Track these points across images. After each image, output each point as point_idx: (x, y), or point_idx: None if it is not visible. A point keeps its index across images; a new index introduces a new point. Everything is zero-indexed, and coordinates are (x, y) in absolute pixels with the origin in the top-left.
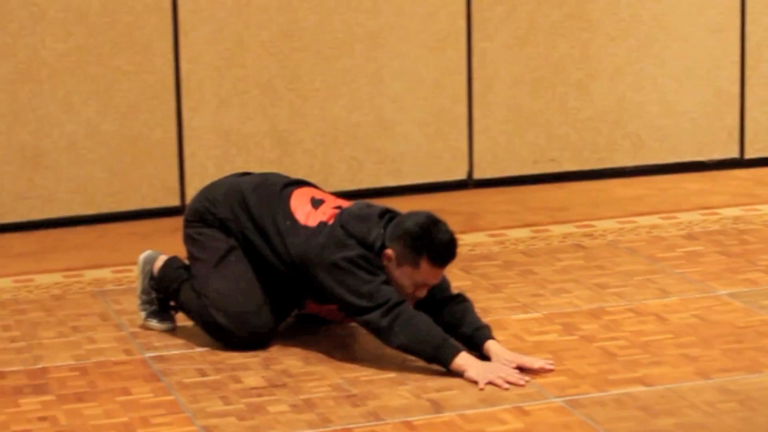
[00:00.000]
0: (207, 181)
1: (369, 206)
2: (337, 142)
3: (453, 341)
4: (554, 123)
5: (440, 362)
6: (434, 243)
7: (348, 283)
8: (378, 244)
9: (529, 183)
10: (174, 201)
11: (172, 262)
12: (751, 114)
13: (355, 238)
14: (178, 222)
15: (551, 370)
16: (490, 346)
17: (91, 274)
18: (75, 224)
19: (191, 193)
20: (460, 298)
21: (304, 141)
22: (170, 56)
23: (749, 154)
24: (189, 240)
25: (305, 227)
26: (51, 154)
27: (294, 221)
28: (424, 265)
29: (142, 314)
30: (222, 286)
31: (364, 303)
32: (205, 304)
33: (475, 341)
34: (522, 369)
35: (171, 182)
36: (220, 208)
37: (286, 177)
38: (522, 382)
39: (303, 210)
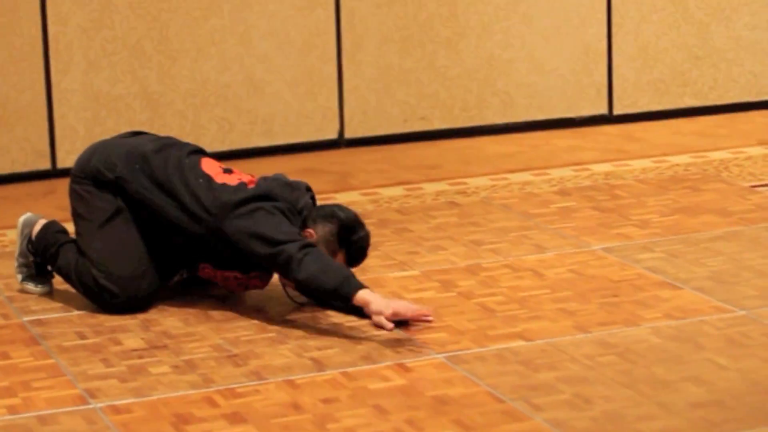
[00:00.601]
0: (78, 144)
1: (291, 179)
2: (207, 102)
3: (357, 279)
4: (424, 81)
5: (343, 294)
6: (356, 243)
7: (270, 221)
8: (304, 213)
9: (400, 141)
10: (45, 164)
11: (50, 226)
12: (618, 70)
13: (284, 200)
14: (50, 185)
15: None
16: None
17: None
18: None
19: (62, 156)
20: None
21: (175, 102)
22: (37, 18)
23: (618, 110)
24: (76, 196)
25: (223, 185)
26: None
27: (208, 179)
28: (340, 257)
29: (19, 277)
30: (105, 248)
31: (282, 237)
32: (86, 265)
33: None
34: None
35: (41, 145)
36: (119, 169)
37: (186, 143)
38: (430, 318)
39: (215, 173)
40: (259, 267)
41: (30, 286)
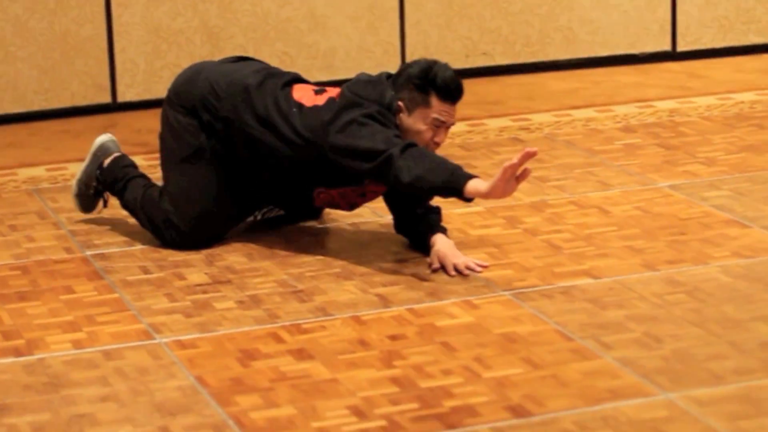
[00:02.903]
0: (139, 78)
1: (372, 75)
2: (267, 37)
3: (464, 170)
4: (486, 16)
5: (453, 188)
6: (438, 78)
7: (364, 133)
8: (394, 104)
9: (462, 77)
10: (105, 98)
11: (120, 160)
12: (682, 7)
13: (369, 100)
14: (110, 119)
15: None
16: (437, 238)
17: (24, 173)
18: (5, 122)
19: (122, 90)
20: (435, 210)
21: (235, 36)
22: None
23: (681, 47)
24: (166, 122)
25: (313, 107)
26: None
27: (300, 106)
28: (435, 102)
29: (74, 189)
30: (181, 183)
31: (381, 146)
32: (158, 196)
33: (426, 234)
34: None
35: (101, 79)
36: (224, 105)
37: (284, 72)
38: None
39: (308, 98)
40: (369, 175)
41: (77, 204)
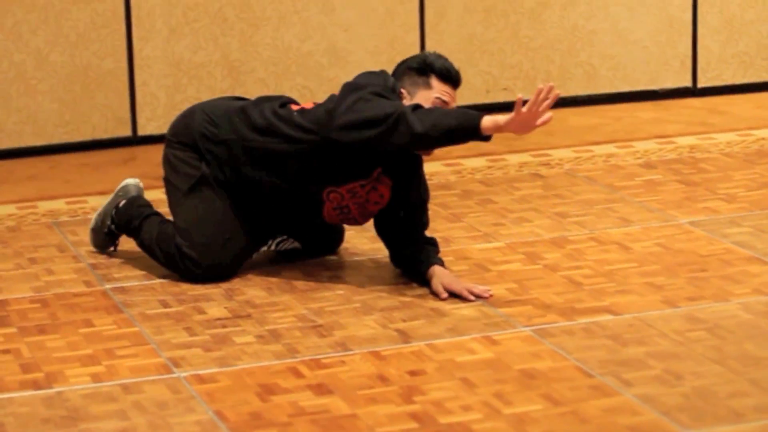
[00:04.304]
0: (159, 111)
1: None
2: (288, 71)
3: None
4: (507, 52)
5: (469, 126)
6: (436, 62)
7: (372, 105)
8: (397, 89)
9: (482, 112)
10: (125, 131)
11: (135, 200)
12: (703, 42)
13: (373, 86)
14: (130, 152)
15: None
16: (435, 269)
17: (44, 206)
18: (25, 155)
19: (143, 123)
20: (432, 242)
21: (256, 70)
22: None
23: (702, 83)
24: (166, 162)
25: (315, 105)
26: (0, 84)
27: (302, 109)
28: (436, 84)
29: (92, 222)
30: (189, 215)
31: (391, 110)
32: (171, 233)
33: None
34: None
35: (122, 112)
36: (222, 130)
37: (280, 96)
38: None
39: (307, 105)
40: (377, 161)
41: (91, 238)
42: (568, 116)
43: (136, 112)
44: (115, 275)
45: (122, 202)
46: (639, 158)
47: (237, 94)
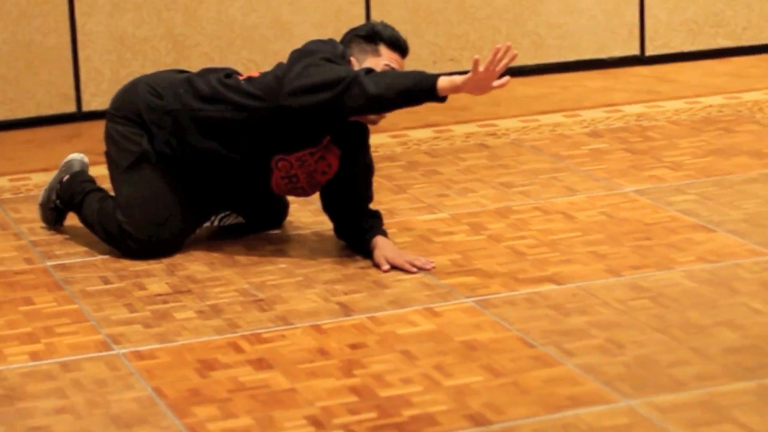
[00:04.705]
0: (104, 86)
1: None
2: (233, 45)
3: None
4: (453, 22)
5: (425, 87)
6: (384, 31)
7: (322, 70)
8: (347, 56)
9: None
10: (70, 107)
11: (78, 175)
12: (651, 10)
13: (323, 52)
14: (75, 128)
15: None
16: (378, 240)
17: None
18: None
19: (87, 99)
20: (376, 214)
21: (200, 44)
22: None
23: (650, 51)
24: (108, 137)
25: (263, 73)
26: None
27: (249, 77)
28: (384, 51)
29: (40, 197)
30: (130, 192)
31: (341, 73)
32: (111, 210)
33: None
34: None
35: (66, 88)
36: (167, 100)
37: (225, 67)
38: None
39: (255, 74)
40: (327, 129)
41: (40, 213)
42: (516, 86)
43: (81, 88)
44: (57, 252)
45: (65, 177)
46: (586, 127)
47: (182, 68)
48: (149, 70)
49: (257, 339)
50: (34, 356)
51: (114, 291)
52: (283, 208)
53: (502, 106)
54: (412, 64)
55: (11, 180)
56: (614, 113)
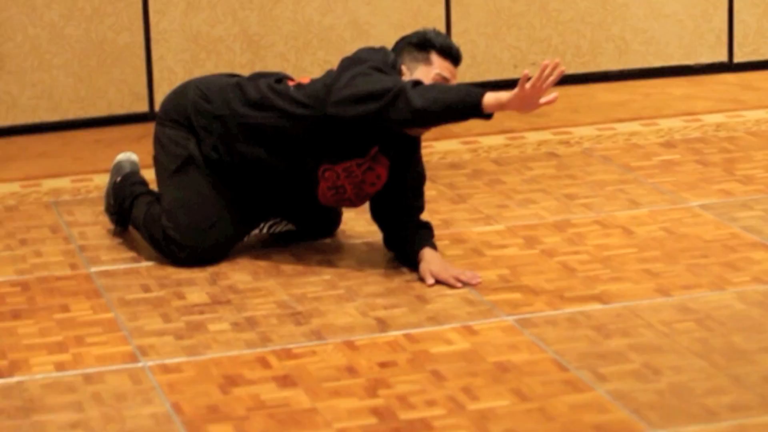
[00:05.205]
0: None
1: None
2: (309, 45)
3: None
4: (535, 25)
5: (471, 103)
6: (436, 39)
7: (369, 80)
8: (398, 65)
9: (509, 87)
10: (142, 107)
11: (129, 177)
12: (739, 16)
13: (372, 60)
14: (146, 129)
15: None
16: (425, 253)
17: (49, 184)
18: (40, 131)
19: (160, 98)
20: (427, 225)
21: (276, 44)
22: None
23: (738, 58)
24: (156, 141)
25: (312, 80)
26: (14, 58)
27: (298, 84)
28: (436, 59)
29: (104, 204)
30: (176, 196)
31: (390, 84)
32: (157, 214)
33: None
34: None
35: (139, 87)
36: (216, 105)
37: (276, 72)
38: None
39: (305, 80)
40: (375, 140)
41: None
42: (597, 92)
43: (153, 88)
44: (103, 258)
45: (118, 179)
46: (661, 137)
47: (257, 69)
48: (223, 70)
49: (287, 354)
50: (60, 367)
51: (152, 300)
52: (335, 217)
53: (580, 112)
54: (492, 68)
55: (73, 181)
56: (693, 122)
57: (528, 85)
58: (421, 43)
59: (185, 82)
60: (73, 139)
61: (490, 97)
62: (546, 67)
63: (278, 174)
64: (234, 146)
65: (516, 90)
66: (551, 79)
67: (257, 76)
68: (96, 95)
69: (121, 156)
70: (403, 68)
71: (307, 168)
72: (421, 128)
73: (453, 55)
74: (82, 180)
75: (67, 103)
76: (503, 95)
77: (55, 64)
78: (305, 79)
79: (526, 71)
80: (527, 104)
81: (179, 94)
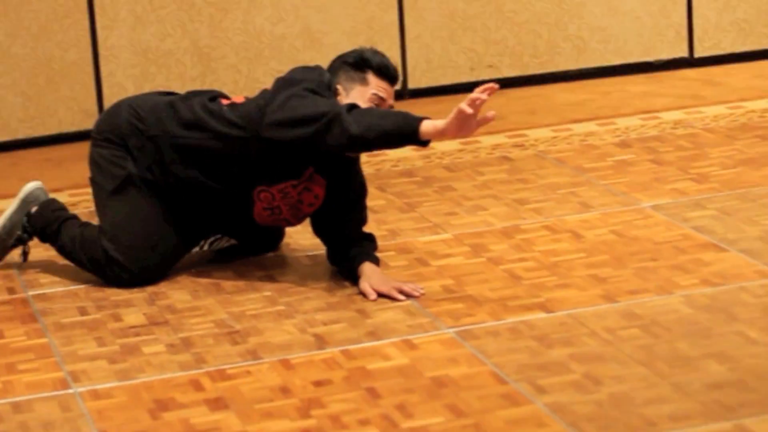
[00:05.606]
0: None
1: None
2: (261, 56)
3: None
4: (491, 27)
5: (408, 131)
6: (373, 58)
7: (306, 103)
8: (333, 86)
9: (467, 91)
10: (92, 124)
11: (50, 204)
12: (699, 10)
13: (308, 81)
14: None
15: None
16: (365, 267)
17: None
18: None
19: None
20: (369, 237)
21: (227, 56)
22: None
23: (699, 53)
24: (91, 161)
25: (246, 100)
26: None
27: (232, 104)
28: (372, 79)
29: None
30: (116, 217)
31: (326, 108)
32: (96, 236)
33: (356, 263)
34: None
35: (88, 104)
36: (149, 125)
37: (210, 89)
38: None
39: (239, 100)
40: (309, 161)
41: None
42: (556, 93)
43: (103, 104)
44: (42, 281)
45: (34, 209)
46: (617, 136)
47: (208, 81)
48: (174, 84)
49: (221, 376)
50: None
51: (88, 323)
52: (277, 232)
53: (537, 114)
54: (449, 72)
55: None
56: (651, 120)
57: (462, 106)
58: (358, 63)
59: (118, 101)
60: (21, 159)
61: (427, 125)
62: (476, 93)
63: (214, 195)
64: (168, 167)
65: (452, 115)
66: (483, 96)
67: (192, 95)
68: (45, 114)
69: (31, 184)
70: (339, 88)
71: (242, 189)
72: (357, 153)
73: (390, 75)
74: None
75: (16, 122)
76: (440, 123)
77: (2, 84)
78: (239, 99)
79: (462, 107)
80: (464, 128)
81: (112, 113)
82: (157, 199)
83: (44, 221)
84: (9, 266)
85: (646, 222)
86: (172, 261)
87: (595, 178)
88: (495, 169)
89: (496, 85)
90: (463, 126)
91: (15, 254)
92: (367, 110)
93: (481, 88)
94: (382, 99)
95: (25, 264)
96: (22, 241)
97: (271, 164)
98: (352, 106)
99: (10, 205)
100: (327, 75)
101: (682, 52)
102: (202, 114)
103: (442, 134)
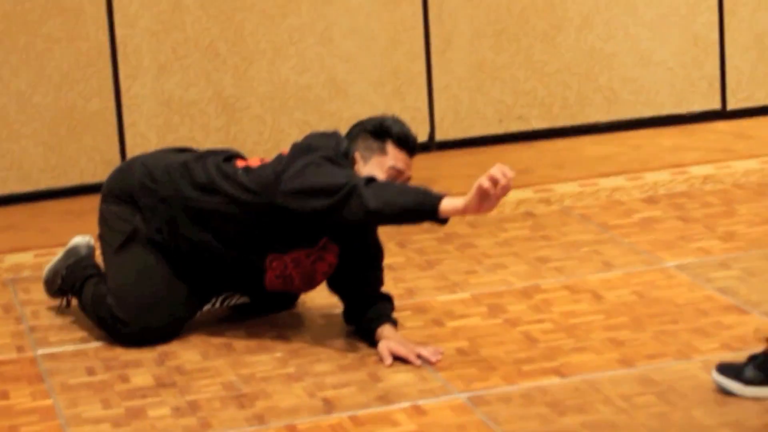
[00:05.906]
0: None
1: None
2: (286, 106)
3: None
4: (520, 78)
5: (427, 208)
6: (393, 127)
7: (322, 172)
8: (351, 153)
9: (495, 142)
10: None
11: (83, 261)
12: (732, 61)
13: (325, 149)
14: None
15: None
16: (384, 330)
17: (12, 259)
18: (9, 203)
19: None
20: (386, 298)
21: (252, 106)
22: (104, 21)
23: (732, 105)
24: (100, 218)
25: (262, 165)
26: None
27: (247, 168)
28: (391, 150)
29: (44, 274)
30: (120, 274)
31: (343, 180)
32: (103, 294)
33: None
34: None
35: (111, 155)
36: (162, 185)
37: (225, 149)
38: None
39: (254, 163)
40: (324, 231)
41: (45, 289)
42: (585, 145)
43: (126, 155)
44: (51, 339)
45: (71, 261)
46: (645, 192)
47: (233, 132)
48: (198, 134)
49: None
50: None
51: (95, 384)
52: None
53: (565, 168)
54: (477, 123)
55: (36, 255)
56: (680, 175)
57: (481, 181)
58: (378, 131)
59: (131, 158)
60: (42, 210)
61: (447, 203)
62: (495, 177)
63: (225, 260)
64: (179, 230)
65: (472, 192)
66: (504, 184)
67: (206, 155)
68: (67, 164)
69: (78, 238)
70: (357, 155)
71: (255, 256)
72: (373, 226)
73: (409, 146)
74: (46, 254)
75: (38, 173)
76: (459, 202)
77: (24, 134)
78: (255, 161)
79: (481, 182)
80: (485, 204)
81: (125, 171)
82: (165, 256)
83: (74, 277)
84: (20, 322)
85: (669, 282)
86: (181, 320)
87: (620, 235)
88: (518, 225)
89: (512, 173)
90: (484, 202)
91: (34, 306)
92: (386, 184)
93: (500, 172)
94: (399, 171)
95: (38, 320)
96: (63, 292)
97: (285, 231)
98: (370, 180)
99: (59, 254)
100: (344, 142)
101: (715, 104)
102: (216, 176)
103: (462, 212)
